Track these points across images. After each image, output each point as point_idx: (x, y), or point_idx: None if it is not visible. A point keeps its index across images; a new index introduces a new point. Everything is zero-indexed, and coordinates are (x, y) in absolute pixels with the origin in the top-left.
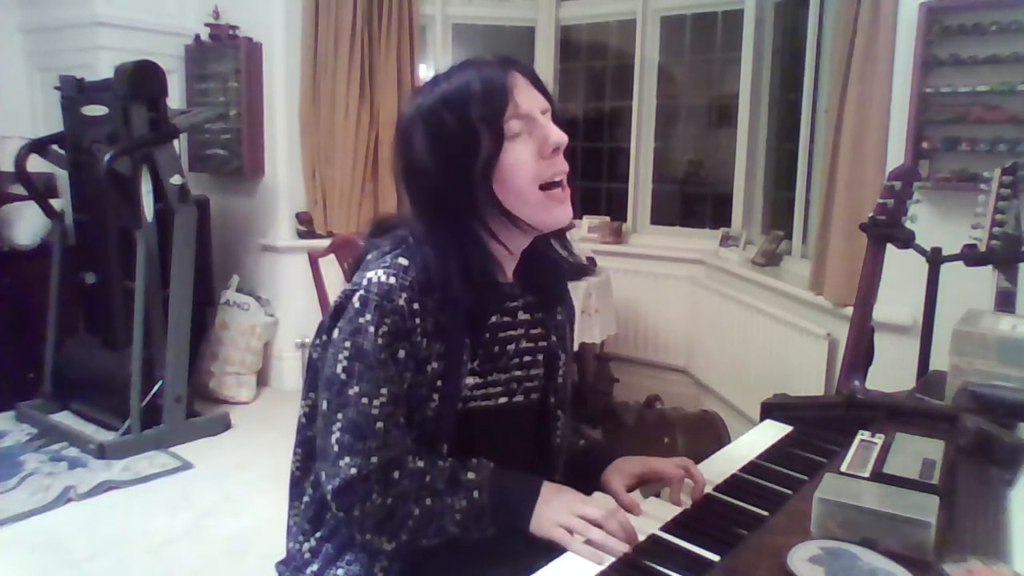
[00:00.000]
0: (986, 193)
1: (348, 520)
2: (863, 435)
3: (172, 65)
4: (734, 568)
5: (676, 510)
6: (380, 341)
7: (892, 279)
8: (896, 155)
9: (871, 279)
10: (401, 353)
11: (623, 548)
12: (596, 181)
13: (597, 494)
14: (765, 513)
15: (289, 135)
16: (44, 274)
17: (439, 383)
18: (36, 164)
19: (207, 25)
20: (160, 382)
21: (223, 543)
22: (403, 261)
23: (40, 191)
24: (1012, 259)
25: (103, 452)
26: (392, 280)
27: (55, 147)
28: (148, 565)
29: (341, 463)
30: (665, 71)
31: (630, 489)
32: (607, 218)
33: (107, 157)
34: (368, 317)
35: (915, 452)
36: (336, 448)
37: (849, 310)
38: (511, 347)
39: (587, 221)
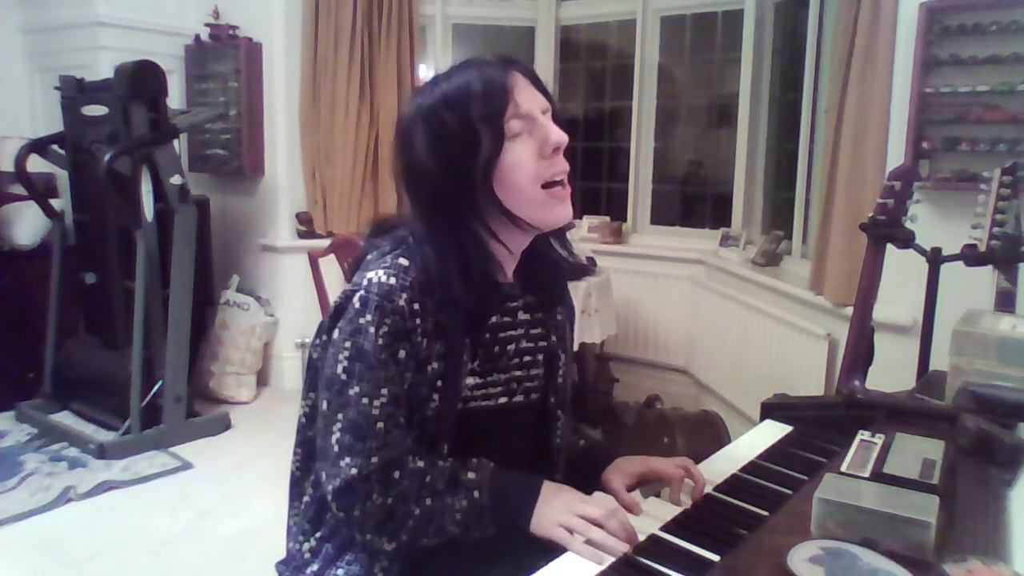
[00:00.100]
0: (986, 193)
1: (348, 520)
2: (863, 435)
3: (172, 65)
4: (734, 568)
5: (676, 510)
6: (380, 341)
7: (892, 279)
8: (896, 155)
9: (871, 279)
10: (401, 353)
11: (623, 548)
12: (596, 181)
13: (597, 494)
14: (765, 513)
15: (289, 135)
16: (44, 274)
17: (439, 383)
18: (36, 164)
19: (207, 25)
20: (160, 382)
21: (223, 543)
22: (403, 261)
23: (40, 191)
24: (1012, 259)
25: (103, 452)
26: (392, 280)
27: (55, 147)
28: (148, 565)
29: (341, 463)
30: (665, 71)
31: (630, 489)
32: (607, 218)
33: (107, 157)
34: (368, 317)
35: (915, 452)
36: (336, 448)
37: (849, 310)
38: (511, 347)
39: (587, 221)
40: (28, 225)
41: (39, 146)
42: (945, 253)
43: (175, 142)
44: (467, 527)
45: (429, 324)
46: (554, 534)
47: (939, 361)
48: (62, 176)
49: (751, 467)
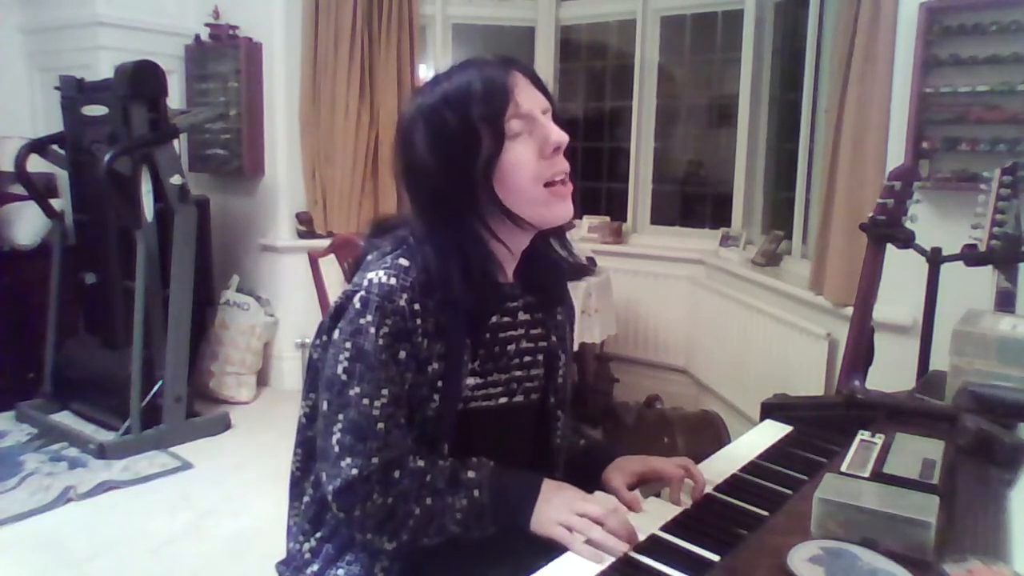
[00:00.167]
0: (986, 193)
1: (349, 520)
2: (863, 435)
3: (172, 65)
4: (734, 568)
5: (676, 510)
6: (381, 342)
7: (892, 279)
8: (896, 155)
9: (871, 279)
10: (402, 354)
11: (623, 547)
12: (596, 181)
13: (598, 493)
14: (765, 513)
15: (289, 135)
16: (44, 274)
17: (440, 383)
18: (36, 164)
19: (207, 25)
20: (160, 382)
21: (223, 543)
22: (404, 262)
23: (40, 191)
24: (1012, 259)
25: (103, 452)
26: (393, 281)
27: (55, 147)
28: (148, 565)
29: (342, 464)
30: (665, 71)
31: (631, 488)
32: (607, 218)
33: (107, 157)
34: (369, 318)
35: (915, 452)
36: (337, 449)
37: (849, 310)
38: (511, 347)
39: (587, 221)
40: (28, 225)
41: (39, 146)
42: (945, 253)
43: (175, 142)
44: (467, 526)
45: (430, 324)
46: (554, 533)
47: (939, 361)
48: (62, 176)
49: (751, 467)
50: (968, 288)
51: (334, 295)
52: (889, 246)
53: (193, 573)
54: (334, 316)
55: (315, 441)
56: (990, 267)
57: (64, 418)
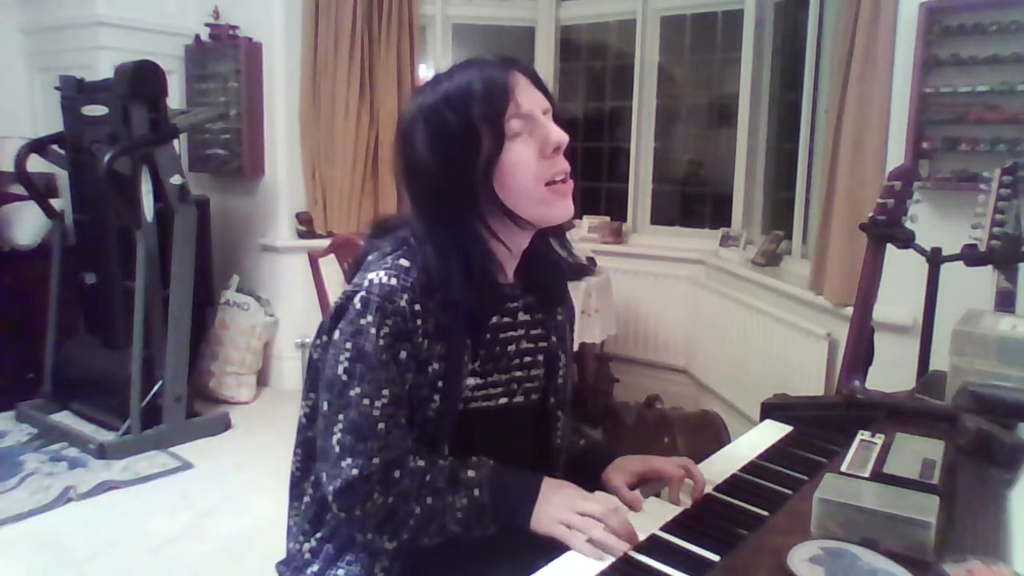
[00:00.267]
0: (986, 193)
1: (349, 520)
2: (863, 435)
3: (172, 65)
4: (734, 568)
5: (676, 510)
6: (381, 342)
7: (892, 279)
8: (896, 155)
9: (871, 279)
10: (402, 354)
11: (624, 546)
12: (596, 181)
13: (598, 492)
14: (765, 513)
15: (289, 135)
16: (44, 274)
17: (440, 384)
18: (36, 164)
19: (207, 25)
20: (160, 382)
21: (223, 543)
22: (404, 262)
23: (40, 191)
24: (1012, 259)
25: (103, 452)
26: (394, 282)
27: (55, 147)
28: (148, 565)
29: (342, 464)
30: (665, 71)
31: (631, 487)
32: (607, 218)
33: (107, 157)
34: (369, 319)
35: (915, 452)
36: (337, 449)
37: (849, 310)
38: (511, 348)
39: (587, 221)
40: (28, 225)
41: (39, 146)
42: (945, 253)
43: (175, 142)
44: (468, 526)
45: (430, 325)
46: (555, 531)
47: (939, 361)
48: (62, 176)
49: (751, 467)
50: (968, 288)
51: (334, 295)
52: (889, 246)
53: (193, 573)
54: (334, 316)
55: (315, 441)
56: (990, 267)
57: (64, 418)
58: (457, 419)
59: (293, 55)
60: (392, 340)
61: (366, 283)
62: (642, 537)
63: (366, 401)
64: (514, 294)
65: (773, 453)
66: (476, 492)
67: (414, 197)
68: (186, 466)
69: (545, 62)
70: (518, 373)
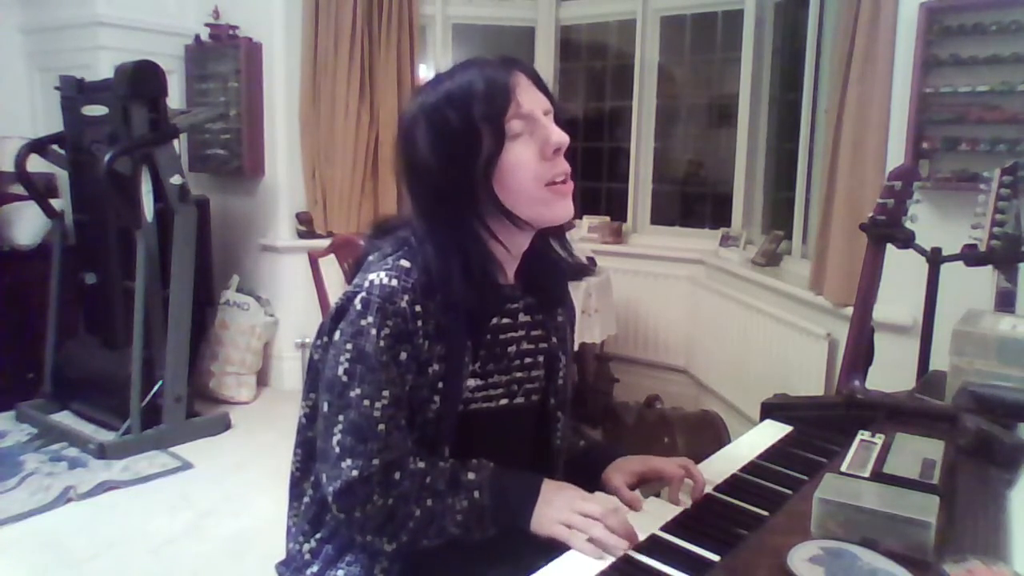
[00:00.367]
0: (986, 193)
1: (349, 521)
2: (863, 435)
3: (172, 65)
4: (734, 568)
5: (676, 510)
6: (382, 343)
7: (892, 279)
8: (896, 155)
9: (871, 279)
10: (403, 355)
11: (623, 546)
12: (596, 181)
13: (598, 493)
14: (765, 513)
15: (289, 135)
16: (44, 274)
17: (440, 385)
18: (36, 164)
19: (207, 25)
20: (160, 382)
21: (223, 543)
22: (405, 263)
23: (40, 191)
24: (1012, 259)
25: (103, 452)
26: (394, 282)
27: (55, 147)
28: (148, 565)
29: (342, 465)
30: (665, 71)
31: (631, 487)
32: (607, 218)
33: (107, 157)
34: (370, 319)
35: (915, 452)
36: (337, 450)
37: (849, 310)
38: (512, 349)
39: (587, 221)
40: (28, 225)
41: (39, 146)
42: (945, 253)
43: (175, 142)
44: (468, 528)
45: (431, 326)
46: (555, 532)
47: (939, 361)
48: (62, 176)
49: (751, 467)
50: (968, 288)
51: (334, 295)
52: (889, 246)
53: (193, 573)
54: (335, 317)
55: (315, 442)
56: (990, 267)
57: (64, 418)
58: (457, 420)
59: (293, 55)
60: (392, 341)
61: (367, 284)
62: (642, 537)
63: (366, 402)
64: (514, 295)
65: (773, 453)
66: (476, 494)
67: (415, 196)
68: (186, 466)
69: (545, 62)
70: (518, 374)
